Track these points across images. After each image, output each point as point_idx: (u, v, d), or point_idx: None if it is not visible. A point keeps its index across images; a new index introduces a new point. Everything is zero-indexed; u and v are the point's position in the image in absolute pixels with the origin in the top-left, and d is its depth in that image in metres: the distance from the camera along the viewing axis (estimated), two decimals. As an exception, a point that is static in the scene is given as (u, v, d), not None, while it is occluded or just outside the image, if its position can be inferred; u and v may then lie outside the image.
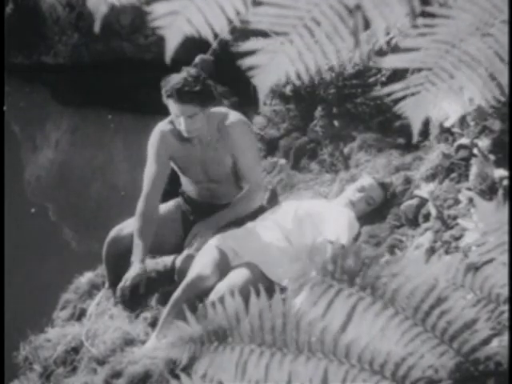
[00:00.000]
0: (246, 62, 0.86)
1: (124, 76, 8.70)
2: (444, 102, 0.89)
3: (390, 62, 0.95)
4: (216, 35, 0.82)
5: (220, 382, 0.97)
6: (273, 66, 0.86)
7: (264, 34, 0.91)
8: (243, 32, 6.19)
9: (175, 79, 3.75)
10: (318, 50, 0.85)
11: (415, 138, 0.97)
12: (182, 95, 3.73)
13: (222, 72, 5.13)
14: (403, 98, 0.94)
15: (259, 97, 0.88)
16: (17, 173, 7.44)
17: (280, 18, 0.85)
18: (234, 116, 3.97)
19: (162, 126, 4.04)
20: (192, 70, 3.88)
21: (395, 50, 4.26)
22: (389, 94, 0.95)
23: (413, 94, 0.91)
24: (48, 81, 9.26)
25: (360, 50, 0.84)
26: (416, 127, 0.91)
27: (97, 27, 0.81)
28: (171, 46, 0.81)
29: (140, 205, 3.98)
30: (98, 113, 8.40)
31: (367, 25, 0.85)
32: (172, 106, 3.78)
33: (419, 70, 0.93)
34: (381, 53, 4.87)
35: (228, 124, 3.92)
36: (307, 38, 0.85)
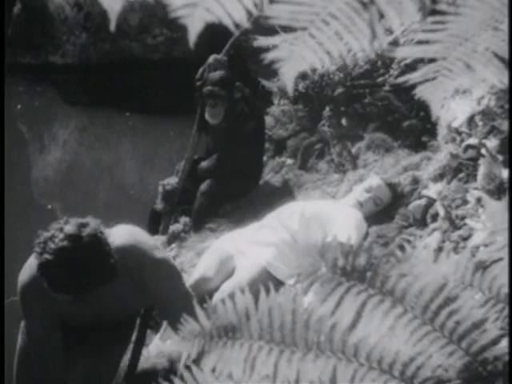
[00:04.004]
0: (268, 57, 0.89)
1: (132, 76, 8.72)
2: (460, 85, 0.91)
3: (405, 51, 0.97)
4: (236, 25, 0.84)
5: (229, 377, 0.97)
6: (295, 57, 0.89)
7: (275, 32, 0.92)
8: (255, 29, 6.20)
9: (45, 254, 2.42)
10: (337, 39, 0.89)
11: (434, 119, 1.01)
12: (52, 284, 2.45)
13: (233, 73, 5.13)
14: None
15: (288, 88, 0.91)
16: (24, 173, 7.45)
17: (297, 14, 0.88)
18: (150, 258, 2.80)
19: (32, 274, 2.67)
20: (66, 242, 2.43)
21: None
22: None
23: (431, 80, 0.93)
24: (56, 81, 9.28)
25: (378, 41, 0.86)
26: (435, 109, 0.93)
27: (112, 26, 0.82)
28: (193, 33, 0.83)
29: None
30: (105, 113, 8.41)
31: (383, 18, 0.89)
32: None
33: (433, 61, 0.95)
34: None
35: (144, 272, 2.78)
36: (326, 30, 0.89)
